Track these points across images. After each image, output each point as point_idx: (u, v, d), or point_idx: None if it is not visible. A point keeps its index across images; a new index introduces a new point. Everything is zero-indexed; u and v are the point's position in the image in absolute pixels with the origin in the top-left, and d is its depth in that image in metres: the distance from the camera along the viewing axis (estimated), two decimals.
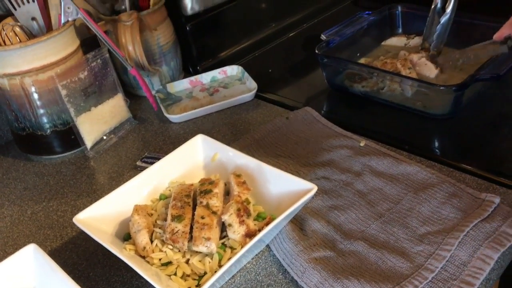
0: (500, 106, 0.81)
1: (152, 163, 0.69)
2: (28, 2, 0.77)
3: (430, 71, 0.84)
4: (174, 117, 0.87)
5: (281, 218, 0.54)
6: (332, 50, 0.89)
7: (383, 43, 0.98)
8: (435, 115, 0.78)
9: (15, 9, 0.77)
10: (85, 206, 0.61)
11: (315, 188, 0.57)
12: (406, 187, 0.65)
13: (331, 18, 1.18)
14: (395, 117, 0.81)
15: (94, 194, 0.74)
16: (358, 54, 0.95)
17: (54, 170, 0.81)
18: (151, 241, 0.57)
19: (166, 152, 0.69)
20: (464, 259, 0.55)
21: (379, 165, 0.69)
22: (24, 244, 0.58)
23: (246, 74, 0.96)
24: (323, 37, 0.91)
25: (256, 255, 0.60)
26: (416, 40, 0.96)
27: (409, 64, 0.84)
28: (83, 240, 0.66)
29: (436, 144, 0.77)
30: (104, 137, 0.85)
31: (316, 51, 0.86)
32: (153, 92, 0.93)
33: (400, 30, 1.00)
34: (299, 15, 1.18)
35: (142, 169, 0.68)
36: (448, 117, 0.77)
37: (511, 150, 0.72)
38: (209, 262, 0.54)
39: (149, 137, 0.85)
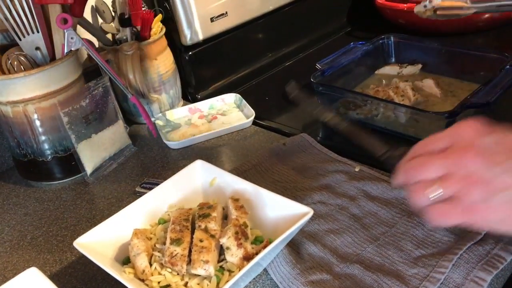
0: None
1: (151, 189, 0.70)
2: (33, 32, 0.80)
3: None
4: (173, 144, 0.89)
5: (278, 241, 0.56)
6: (327, 79, 0.91)
7: (376, 72, 1.01)
8: None
9: (20, 39, 0.80)
10: (84, 231, 0.62)
11: (311, 212, 0.59)
12: (400, 211, 0.66)
13: (326, 48, 1.22)
14: (389, 143, 0.82)
15: (93, 219, 0.75)
16: (352, 83, 0.98)
17: (54, 195, 0.82)
18: (150, 265, 0.58)
19: (165, 178, 0.71)
20: (458, 282, 0.56)
21: (374, 189, 0.70)
22: (23, 269, 0.58)
23: (243, 101, 0.98)
24: (318, 66, 0.94)
25: (254, 278, 0.61)
26: (408, 69, 0.99)
27: (402, 91, 0.86)
28: (83, 265, 0.67)
29: None
30: (104, 163, 0.86)
31: (312, 80, 0.89)
32: (153, 119, 0.95)
33: (393, 60, 1.03)
34: (295, 45, 1.21)
35: (141, 194, 0.69)
36: None
37: None
38: (207, 285, 0.55)
39: (148, 163, 0.87)
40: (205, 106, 1.00)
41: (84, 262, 0.67)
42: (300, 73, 1.12)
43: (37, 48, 0.81)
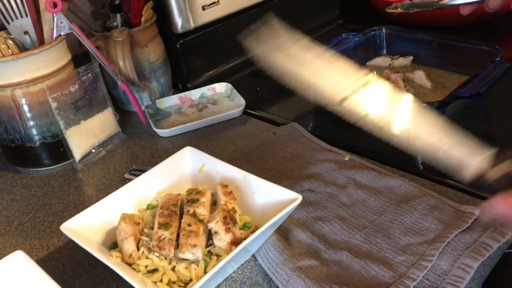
0: (480, 123, 0.84)
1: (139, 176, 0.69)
2: (22, 16, 0.78)
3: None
4: (162, 132, 0.88)
5: (267, 226, 0.55)
6: None
7: (368, 63, 1.01)
8: None
9: (8, 23, 0.79)
10: (72, 217, 0.62)
11: (300, 198, 0.59)
12: (389, 199, 0.67)
13: (319, 39, 1.20)
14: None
15: (81, 205, 0.75)
16: None
17: (42, 182, 0.82)
18: (138, 249, 0.57)
19: (154, 166, 0.70)
20: (445, 268, 0.56)
21: (363, 178, 0.70)
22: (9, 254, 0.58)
23: (234, 91, 0.97)
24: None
25: (242, 264, 0.60)
26: (400, 61, 0.99)
27: (392, 83, 0.87)
28: (70, 250, 0.66)
29: (419, 159, 0.79)
30: (93, 150, 0.86)
31: None
32: (142, 107, 0.94)
33: (385, 51, 1.03)
34: None
35: (130, 181, 0.68)
36: None
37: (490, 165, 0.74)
38: (195, 269, 0.55)
39: (138, 150, 0.86)
40: (195, 95, 1.00)
41: (71, 248, 0.66)
42: None
43: (26, 33, 0.80)
